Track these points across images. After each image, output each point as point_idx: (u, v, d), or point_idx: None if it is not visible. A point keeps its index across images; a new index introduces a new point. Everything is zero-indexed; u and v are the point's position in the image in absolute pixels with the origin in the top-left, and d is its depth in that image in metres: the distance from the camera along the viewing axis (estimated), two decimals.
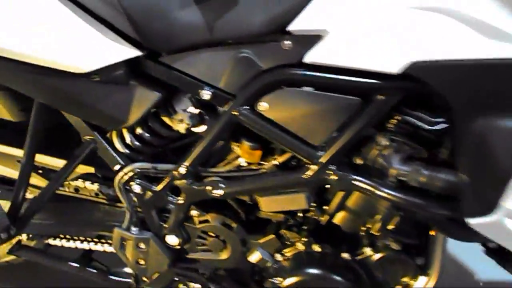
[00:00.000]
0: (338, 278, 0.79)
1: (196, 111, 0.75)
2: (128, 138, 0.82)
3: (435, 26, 0.57)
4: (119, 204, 0.89)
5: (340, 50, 0.63)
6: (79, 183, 0.87)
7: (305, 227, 0.82)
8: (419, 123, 0.64)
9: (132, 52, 0.70)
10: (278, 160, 0.75)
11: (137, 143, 0.82)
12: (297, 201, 0.73)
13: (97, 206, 0.89)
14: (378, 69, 0.61)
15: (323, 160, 0.68)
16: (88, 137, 0.79)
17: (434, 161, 0.66)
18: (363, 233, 0.80)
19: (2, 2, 0.65)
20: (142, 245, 0.85)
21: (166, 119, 0.79)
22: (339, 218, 0.79)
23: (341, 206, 0.77)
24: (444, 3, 0.56)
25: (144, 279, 0.89)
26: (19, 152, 0.87)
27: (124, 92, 0.73)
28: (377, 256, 0.78)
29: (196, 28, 0.69)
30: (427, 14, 0.57)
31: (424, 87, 0.60)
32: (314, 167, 0.69)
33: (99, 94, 0.72)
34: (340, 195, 0.77)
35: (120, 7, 0.65)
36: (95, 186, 0.87)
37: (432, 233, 0.78)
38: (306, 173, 0.70)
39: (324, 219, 0.80)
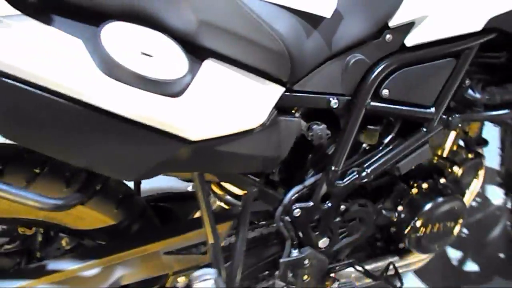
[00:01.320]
0: (444, 199, 1.00)
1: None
2: None
3: None
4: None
5: (436, 27, 0.81)
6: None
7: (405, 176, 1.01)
8: (491, 60, 0.88)
9: (280, 90, 0.73)
10: (394, 131, 0.90)
11: None
12: (424, 154, 0.91)
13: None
14: (467, 31, 0.82)
15: (436, 114, 0.87)
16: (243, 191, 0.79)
17: (499, 83, 0.92)
18: (440, 160, 1.03)
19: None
20: (306, 261, 0.90)
21: None
22: None
23: None
24: None
25: None
26: (156, 246, 0.79)
27: (276, 130, 0.75)
28: (460, 170, 1.03)
29: (320, 50, 0.76)
30: None
31: (495, 33, 0.84)
32: (431, 123, 0.88)
33: (260, 142, 0.73)
34: None
35: (284, 48, 0.68)
36: None
37: None
38: (426, 130, 0.88)
39: None
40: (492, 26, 0.83)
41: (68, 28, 0.54)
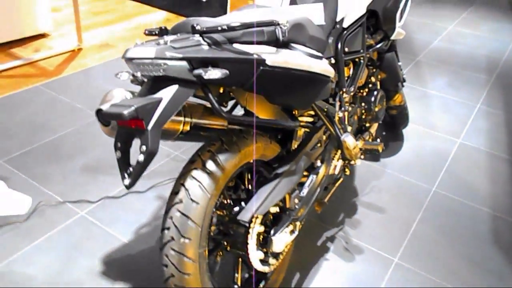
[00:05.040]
0: (377, 92, 2.06)
1: None
2: None
3: None
4: None
5: (351, 16, 1.84)
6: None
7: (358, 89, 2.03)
8: (368, 23, 1.96)
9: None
10: (351, 68, 1.90)
11: None
12: (364, 74, 1.95)
13: None
14: (362, 13, 1.87)
15: (364, 53, 1.90)
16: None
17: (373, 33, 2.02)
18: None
19: None
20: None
21: None
22: None
23: None
24: None
25: None
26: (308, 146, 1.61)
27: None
28: (374, 78, 2.11)
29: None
30: None
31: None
32: (365, 58, 1.90)
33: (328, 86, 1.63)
34: None
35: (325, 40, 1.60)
36: None
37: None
38: (363, 61, 1.91)
39: None
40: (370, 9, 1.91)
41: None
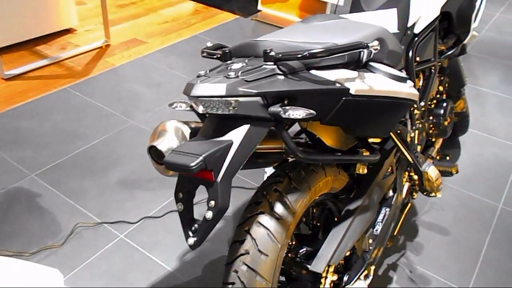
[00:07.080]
0: (447, 103, 1.84)
1: None
2: None
3: None
4: None
5: (424, 20, 1.61)
6: None
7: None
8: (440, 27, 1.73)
9: None
10: (421, 78, 1.68)
11: None
12: (435, 84, 1.72)
13: None
14: (436, 16, 1.64)
15: (436, 60, 1.68)
16: None
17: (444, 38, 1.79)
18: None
19: None
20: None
21: None
22: None
23: None
24: None
25: None
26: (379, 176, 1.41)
27: None
28: (442, 88, 1.88)
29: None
30: None
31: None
32: (436, 66, 1.68)
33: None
34: None
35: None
36: None
37: None
38: (434, 70, 1.68)
39: None
40: (443, 10, 1.67)
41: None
